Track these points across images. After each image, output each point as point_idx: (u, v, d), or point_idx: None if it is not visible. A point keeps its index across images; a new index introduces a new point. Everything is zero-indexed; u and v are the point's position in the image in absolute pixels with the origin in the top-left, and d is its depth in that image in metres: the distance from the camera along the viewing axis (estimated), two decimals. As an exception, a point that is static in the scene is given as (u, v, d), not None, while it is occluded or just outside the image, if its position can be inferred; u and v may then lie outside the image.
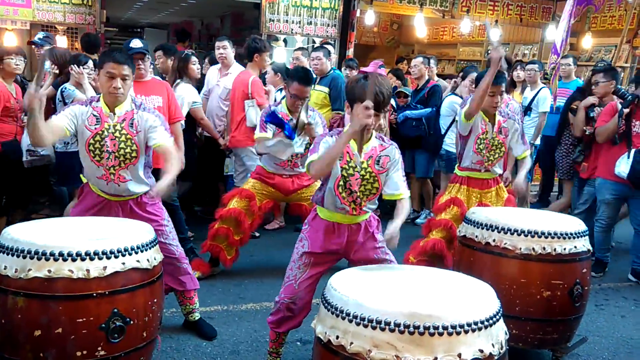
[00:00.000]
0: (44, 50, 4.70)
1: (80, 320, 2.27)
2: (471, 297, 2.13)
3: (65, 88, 4.37)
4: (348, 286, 2.16)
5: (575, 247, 3.00)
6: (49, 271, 2.26)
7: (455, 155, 4.74)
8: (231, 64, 5.29)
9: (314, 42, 7.46)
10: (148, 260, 2.50)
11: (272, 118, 3.91)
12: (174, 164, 2.87)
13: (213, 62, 5.69)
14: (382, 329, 1.94)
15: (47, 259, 2.26)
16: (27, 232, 2.43)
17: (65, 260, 2.27)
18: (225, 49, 5.25)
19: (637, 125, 4.49)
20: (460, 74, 6.11)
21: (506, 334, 2.14)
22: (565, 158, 5.58)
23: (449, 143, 5.46)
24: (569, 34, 5.50)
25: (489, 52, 9.76)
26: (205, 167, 5.33)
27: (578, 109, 5.00)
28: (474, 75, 4.99)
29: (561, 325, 3.07)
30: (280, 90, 5.12)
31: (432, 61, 6.39)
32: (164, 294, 2.82)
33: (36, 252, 2.28)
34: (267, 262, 4.70)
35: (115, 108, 2.90)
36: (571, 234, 3.01)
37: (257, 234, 5.11)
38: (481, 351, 1.97)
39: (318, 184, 4.23)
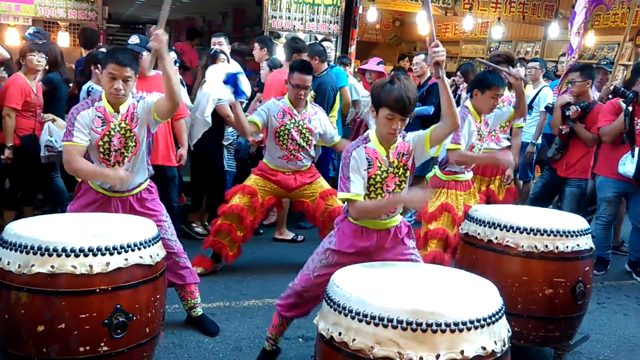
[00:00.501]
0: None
1: (83, 315, 2.28)
2: (474, 295, 2.13)
3: (93, 87, 4.39)
4: (351, 283, 2.16)
5: (578, 245, 3.00)
6: (52, 267, 2.26)
7: None
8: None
9: (316, 38, 7.44)
10: (151, 256, 2.50)
11: (228, 77, 3.80)
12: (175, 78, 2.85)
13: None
14: (385, 326, 1.94)
15: (50, 255, 2.27)
16: (30, 228, 2.43)
17: (68, 256, 2.27)
18: (221, 45, 5.27)
19: (639, 124, 4.48)
20: (458, 73, 6.09)
21: (509, 331, 2.14)
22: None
23: None
24: (584, 33, 5.44)
25: (491, 49, 9.68)
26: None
27: (554, 108, 4.99)
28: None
29: (563, 323, 3.07)
30: None
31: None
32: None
33: (39, 248, 2.28)
34: (269, 259, 4.71)
35: (119, 107, 2.92)
36: (574, 232, 3.00)
37: (261, 231, 5.11)
38: (484, 348, 1.97)
39: (321, 181, 4.28)
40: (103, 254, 2.33)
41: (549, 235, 2.95)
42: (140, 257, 2.44)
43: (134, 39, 4.13)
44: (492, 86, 3.59)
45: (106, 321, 2.31)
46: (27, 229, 2.42)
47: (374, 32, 11.51)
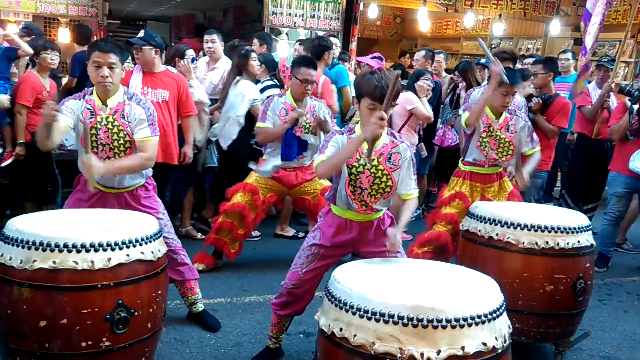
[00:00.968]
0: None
1: (85, 311, 2.28)
2: (475, 291, 2.14)
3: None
4: (352, 279, 2.16)
5: (579, 241, 3.00)
6: (54, 262, 2.26)
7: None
8: (219, 57, 5.29)
9: (316, 35, 7.44)
10: (152, 252, 2.51)
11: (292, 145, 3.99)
12: (137, 158, 2.88)
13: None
14: (386, 322, 1.94)
15: (52, 250, 2.27)
16: (31, 223, 2.44)
17: (70, 251, 2.28)
18: (214, 42, 5.22)
19: None
20: (456, 72, 6.04)
21: (509, 327, 2.15)
22: None
23: None
24: (599, 33, 5.38)
25: (492, 46, 9.67)
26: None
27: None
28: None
29: (564, 319, 3.08)
30: (264, 81, 5.09)
31: (441, 56, 6.32)
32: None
33: (41, 244, 2.28)
34: (270, 255, 4.71)
35: (107, 100, 2.89)
36: (574, 228, 3.01)
37: (257, 233, 4.99)
38: (484, 344, 1.97)
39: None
40: (105, 250, 2.33)
41: (549, 231, 2.96)
42: (142, 252, 2.45)
43: (140, 34, 4.10)
44: (503, 83, 3.58)
45: (108, 316, 2.32)
46: (29, 224, 2.42)
47: (374, 28, 11.49)
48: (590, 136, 5.40)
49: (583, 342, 3.37)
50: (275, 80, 5.20)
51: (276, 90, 4.95)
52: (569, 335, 3.17)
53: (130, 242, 2.41)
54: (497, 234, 3.04)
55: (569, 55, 6.47)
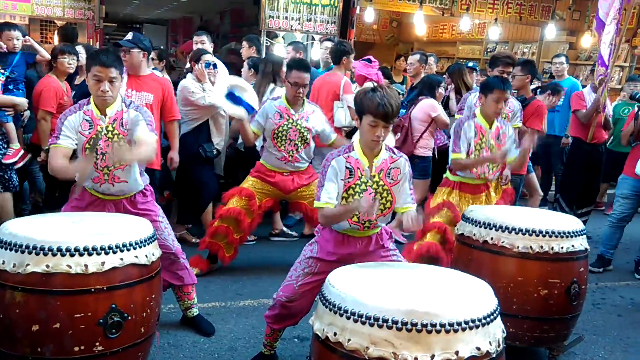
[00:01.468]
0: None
1: (78, 315, 2.27)
2: (469, 295, 2.14)
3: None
4: (346, 283, 2.16)
5: (573, 245, 3.01)
6: (47, 266, 2.26)
7: None
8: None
9: (313, 39, 7.45)
10: (146, 256, 2.50)
11: (230, 97, 3.98)
12: (146, 150, 2.86)
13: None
14: (380, 326, 1.94)
15: (45, 254, 2.26)
16: (25, 227, 2.43)
17: (63, 255, 2.27)
18: (203, 44, 5.22)
19: None
20: (445, 76, 6.02)
21: (503, 332, 2.15)
22: None
23: None
24: (616, 43, 5.30)
25: (488, 50, 9.66)
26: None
27: None
28: None
29: (558, 323, 3.08)
30: (252, 84, 5.10)
31: (431, 59, 6.35)
32: (163, 290, 2.82)
33: (34, 247, 2.28)
34: (265, 259, 4.70)
35: (107, 109, 2.90)
36: (569, 232, 3.01)
37: (252, 237, 4.93)
38: (478, 349, 1.97)
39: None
40: (98, 254, 2.32)
41: (544, 235, 2.96)
42: (136, 256, 2.44)
43: (129, 36, 4.11)
44: (494, 90, 3.60)
45: (101, 321, 2.31)
46: (22, 228, 2.41)
47: (371, 32, 11.51)
48: (585, 140, 5.43)
49: (577, 347, 3.37)
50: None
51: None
52: (563, 339, 3.17)
53: (124, 246, 2.40)
54: (491, 238, 3.04)
55: (563, 59, 6.52)
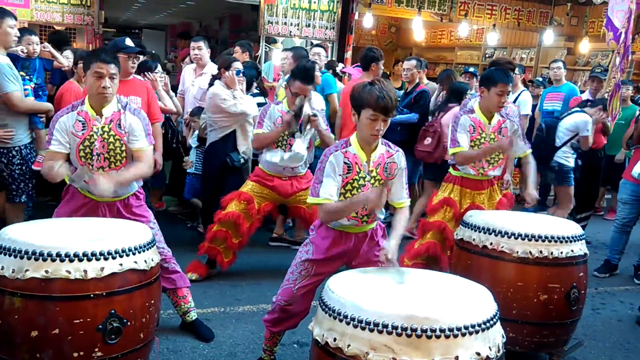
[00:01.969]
0: None
1: (78, 321, 2.27)
2: (468, 300, 2.14)
3: None
4: (346, 288, 2.16)
5: (572, 250, 3.01)
6: (47, 272, 2.25)
7: (568, 168, 5.03)
8: (206, 64, 5.38)
9: (311, 44, 7.46)
10: (145, 261, 2.49)
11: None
12: (141, 168, 2.90)
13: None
14: (380, 332, 1.94)
15: (44, 260, 2.26)
16: (24, 233, 2.42)
17: (62, 261, 2.26)
18: (200, 49, 5.34)
19: None
20: (438, 83, 6.01)
21: (503, 337, 2.15)
22: None
23: (563, 156, 5.21)
24: (629, 50, 5.26)
25: (487, 56, 9.65)
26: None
27: None
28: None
29: (558, 328, 3.08)
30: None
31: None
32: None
33: (34, 253, 2.27)
34: (263, 264, 4.70)
35: (102, 109, 2.89)
36: (568, 237, 3.02)
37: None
38: (478, 354, 1.97)
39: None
40: (97, 259, 2.32)
41: (543, 241, 2.97)
42: (135, 262, 2.44)
43: (130, 42, 4.12)
44: (498, 83, 3.55)
45: (100, 326, 2.30)
46: (21, 233, 2.41)
47: (369, 38, 11.53)
48: None
49: (577, 352, 3.37)
50: (259, 89, 5.24)
51: (260, 99, 5.01)
52: (563, 344, 3.17)
53: (123, 251, 2.40)
54: (491, 243, 3.04)
55: (561, 64, 6.55)
